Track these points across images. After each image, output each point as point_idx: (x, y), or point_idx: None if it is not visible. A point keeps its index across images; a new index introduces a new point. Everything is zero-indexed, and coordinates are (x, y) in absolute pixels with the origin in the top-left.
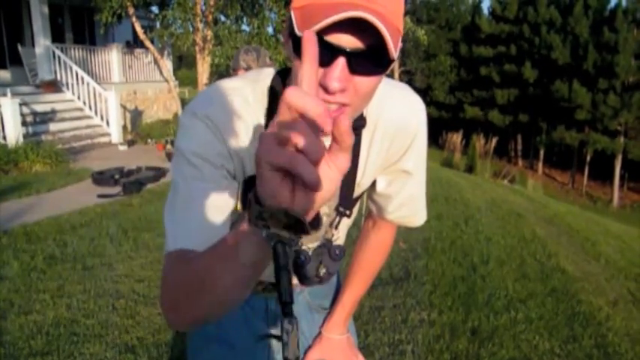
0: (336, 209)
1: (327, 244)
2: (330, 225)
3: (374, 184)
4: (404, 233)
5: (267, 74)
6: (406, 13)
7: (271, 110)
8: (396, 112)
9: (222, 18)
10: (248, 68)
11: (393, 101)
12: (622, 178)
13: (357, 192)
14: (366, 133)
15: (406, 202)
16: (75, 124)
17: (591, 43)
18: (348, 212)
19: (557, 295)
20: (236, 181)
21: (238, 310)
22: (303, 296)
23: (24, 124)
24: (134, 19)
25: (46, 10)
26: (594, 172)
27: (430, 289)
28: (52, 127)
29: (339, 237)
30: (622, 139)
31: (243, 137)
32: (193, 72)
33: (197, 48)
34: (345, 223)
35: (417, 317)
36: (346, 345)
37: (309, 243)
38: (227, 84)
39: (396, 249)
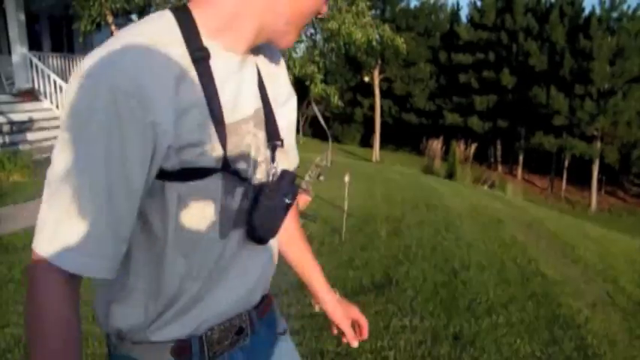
0: (268, 146)
1: (272, 176)
2: (272, 161)
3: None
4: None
5: (162, 14)
6: (385, 21)
7: (189, 39)
8: None
9: None
10: None
11: None
12: (599, 182)
13: (276, 112)
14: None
15: (293, 143)
16: (53, 133)
17: (567, 50)
18: (278, 142)
19: (538, 299)
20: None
21: None
22: (263, 332)
23: (0, 133)
24: (113, 27)
25: (22, 17)
26: (572, 177)
27: (412, 295)
28: (30, 136)
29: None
30: (599, 144)
31: (161, 101)
32: None
33: None
34: (282, 157)
35: (398, 323)
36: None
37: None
38: (123, 40)
39: (376, 255)
